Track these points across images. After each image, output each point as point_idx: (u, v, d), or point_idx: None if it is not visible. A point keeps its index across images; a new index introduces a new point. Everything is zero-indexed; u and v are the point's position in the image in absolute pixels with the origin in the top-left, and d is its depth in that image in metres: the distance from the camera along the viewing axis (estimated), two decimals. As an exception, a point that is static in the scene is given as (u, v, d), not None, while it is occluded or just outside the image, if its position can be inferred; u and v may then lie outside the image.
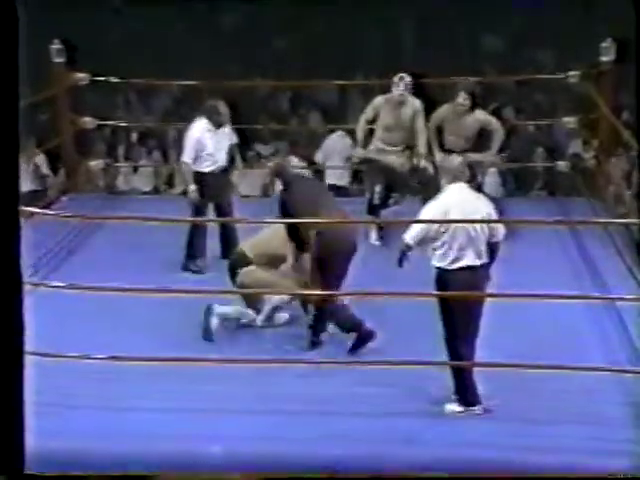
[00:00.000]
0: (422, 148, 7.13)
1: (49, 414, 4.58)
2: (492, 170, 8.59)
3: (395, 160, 7.16)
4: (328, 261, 5.49)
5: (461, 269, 4.88)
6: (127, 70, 8.37)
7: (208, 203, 6.92)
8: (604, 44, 7.79)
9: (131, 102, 10.41)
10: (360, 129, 7.22)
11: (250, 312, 5.90)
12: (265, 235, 5.98)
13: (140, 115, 10.29)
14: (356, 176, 9.33)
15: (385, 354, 5.36)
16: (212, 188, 6.85)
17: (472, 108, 7.09)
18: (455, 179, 5.00)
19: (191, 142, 6.80)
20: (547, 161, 9.17)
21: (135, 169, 9.65)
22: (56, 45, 7.92)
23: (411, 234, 4.94)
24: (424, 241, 4.94)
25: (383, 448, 4.66)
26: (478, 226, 4.90)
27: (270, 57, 10.37)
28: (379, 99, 7.20)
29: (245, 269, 5.90)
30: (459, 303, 4.87)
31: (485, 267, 4.95)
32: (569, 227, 7.34)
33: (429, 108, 7.23)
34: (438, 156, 7.11)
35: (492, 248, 4.96)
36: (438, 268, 4.92)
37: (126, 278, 5.55)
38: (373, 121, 7.20)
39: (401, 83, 7.08)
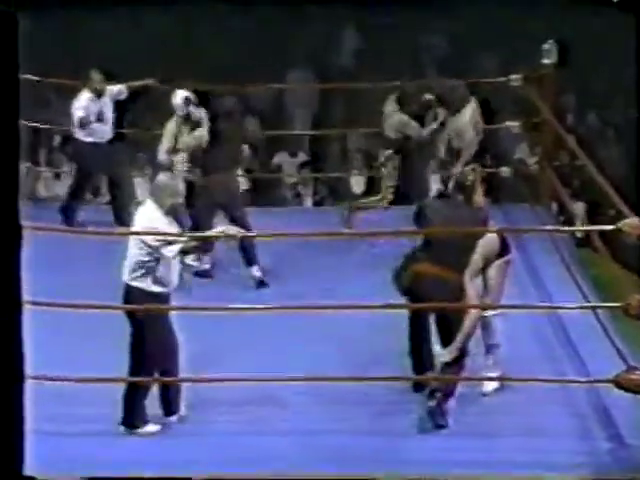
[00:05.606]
0: None
1: None
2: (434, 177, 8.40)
3: None
4: None
5: None
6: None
7: (94, 175, 7.17)
8: (545, 46, 7.56)
9: (53, 103, 9.95)
10: None
11: None
12: None
13: (64, 118, 9.83)
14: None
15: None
16: (97, 159, 7.03)
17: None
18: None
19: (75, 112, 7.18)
20: (492, 167, 8.91)
21: (57, 175, 9.26)
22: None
23: None
24: None
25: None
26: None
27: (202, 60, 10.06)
28: None
29: None
30: None
31: None
32: (512, 235, 7.12)
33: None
34: None
35: None
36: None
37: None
38: None
39: None
